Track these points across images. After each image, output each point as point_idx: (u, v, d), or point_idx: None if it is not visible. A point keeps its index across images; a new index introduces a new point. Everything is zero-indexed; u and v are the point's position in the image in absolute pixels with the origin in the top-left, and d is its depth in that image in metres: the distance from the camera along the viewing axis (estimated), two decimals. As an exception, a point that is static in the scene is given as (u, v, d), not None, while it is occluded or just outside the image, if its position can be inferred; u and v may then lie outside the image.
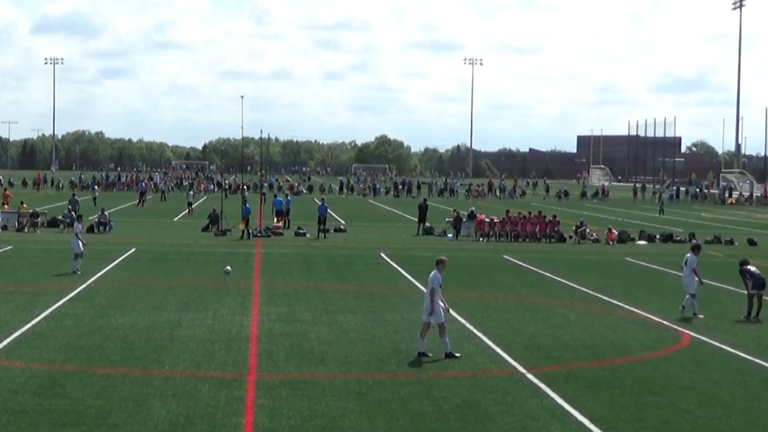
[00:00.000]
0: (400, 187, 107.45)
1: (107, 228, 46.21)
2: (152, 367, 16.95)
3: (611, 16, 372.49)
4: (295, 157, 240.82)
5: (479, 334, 20.77)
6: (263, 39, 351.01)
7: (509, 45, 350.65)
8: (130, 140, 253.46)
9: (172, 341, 19.26)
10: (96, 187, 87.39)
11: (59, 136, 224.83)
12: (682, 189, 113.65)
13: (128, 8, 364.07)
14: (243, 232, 44.91)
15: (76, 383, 15.54)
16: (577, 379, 16.81)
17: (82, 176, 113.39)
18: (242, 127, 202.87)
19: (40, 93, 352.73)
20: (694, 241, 37.19)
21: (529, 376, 16.90)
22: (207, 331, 20.37)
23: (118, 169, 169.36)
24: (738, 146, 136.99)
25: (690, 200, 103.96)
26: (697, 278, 24.26)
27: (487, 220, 48.09)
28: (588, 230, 48.33)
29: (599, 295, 27.71)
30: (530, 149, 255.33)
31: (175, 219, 58.75)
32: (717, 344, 20.55)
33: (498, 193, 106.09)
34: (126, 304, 23.95)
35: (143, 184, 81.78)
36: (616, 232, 47.74)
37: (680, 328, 22.41)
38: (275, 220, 50.13)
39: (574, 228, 48.54)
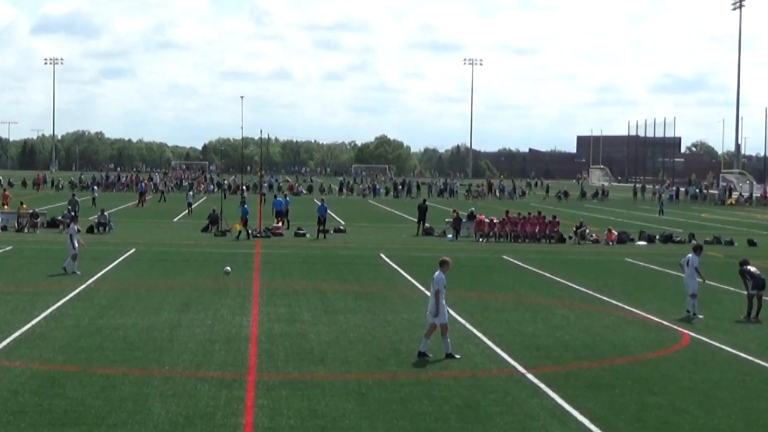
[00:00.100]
0: (400, 187, 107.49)
1: (107, 228, 46.21)
2: (152, 367, 16.95)
3: (611, 16, 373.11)
4: (295, 158, 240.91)
5: (479, 335, 20.77)
6: (263, 39, 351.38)
7: (509, 45, 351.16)
8: (129, 140, 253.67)
9: (171, 341, 19.26)
10: (95, 187, 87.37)
11: (59, 137, 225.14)
12: (682, 189, 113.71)
13: (128, 8, 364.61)
14: (239, 233, 44.93)
15: (75, 383, 15.54)
16: (577, 379, 16.81)
17: (82, 176, 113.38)
18: (242, 128, 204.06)
19: (40, 93, 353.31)
20: (694, 242, 37.30)
21: (529, 376, 16.90)
22: (207, 332, 20.37)
23: (118, 169, 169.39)
24: (738, 146, 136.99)
25: (690, 201, 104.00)
26: (700, 278, 24.30)
27: (487, 220, 48.09)
28: (588, 231, 48.34)
29: (599, 296, 27.71)
30: (530, 149, 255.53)
31: (175, 219, 58.75)
32: (717, 344, 20.55)
33: (498, 194, 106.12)
34: (126, 304, 23.95)
35: (143, 185, 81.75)
36: (616, 233, 47.76)
37: (680, 329, 22.41)
38: (275, 220, 50.13)
39: (573, 228, 48.56)
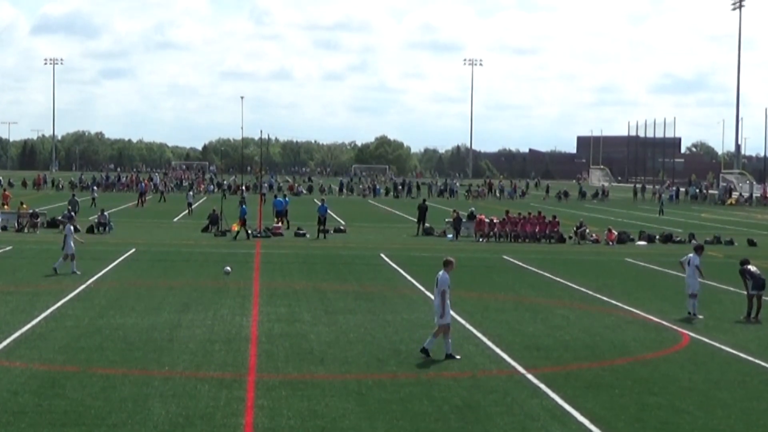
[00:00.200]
0: (400, 187, 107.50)
1: (107, 228, 46.21)
2: (152, 367, 16.95)
3: (611, 16, 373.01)
4: (295, 158, 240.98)
5: (479, 335, 20.77)
6: (263, 39, 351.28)
7: (509, 45, 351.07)
8: (129, 141, 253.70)
9: (171, 342, 19.26)
10: (95, 187, 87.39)
11: (59, 137, 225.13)
12: (682, 189, 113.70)
13: (128, 9, 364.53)
14: (237, 233, 44.92)
15: (75, 384, 15.54)
16: (577, 379, 16.81)
17: (82, 177, 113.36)
18: (242, 128, 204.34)
19: (40, 93, 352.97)
20: (695, 242, 37.33)
21: (529, 376, 16.90)
22: (207, 332, 20.37)
23: (118, 169, 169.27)
24: (738, 147, 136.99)
25: (690, 201, 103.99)
26: (700, 278, 24.34)
27: (487, 220, 48.10)
28: (588, 231, 48.35)
29: (599, 296, 27.71)
30: (530, 150, 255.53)
31: (175, 219, 58.75)
32: (717, 345, 20.55)
33: (498, 194, 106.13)
34: (126, 304, 23.95)
35: (142, 185, 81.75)
36: (616, 233, 47.75)
37: (680, 329, 22.41)
38: (275, 220, 50.13)
39: (573, 228, 48.57)
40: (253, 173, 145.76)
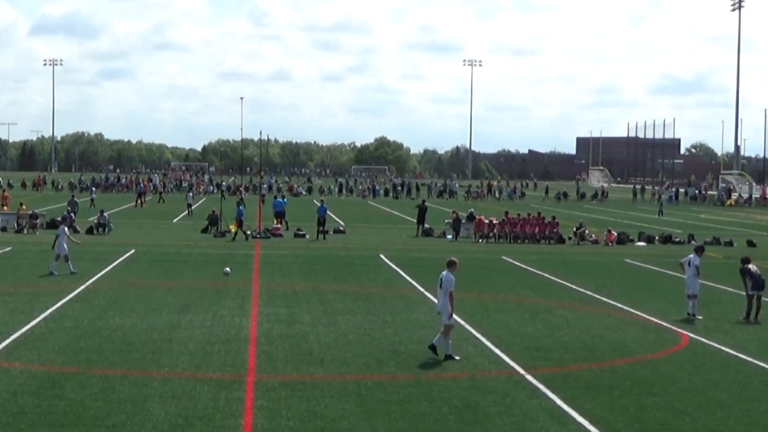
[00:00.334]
0: (399, 188, 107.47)
1: (106, 229, 46.20)
2: (151, 368, 16.95)
3: (610, 17, 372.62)
4: (295, 159, 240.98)
5: (478, 336, 20.77)
6: (262, 40, 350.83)
7: (508, 46, 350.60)
8: (129, 142, 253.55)
9: (171, 342, 19.26)
10: (94, 188, 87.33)
11: (58, 138, 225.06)
12: (682, 190, 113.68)
13: (127, 10, 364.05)
14: (235, 234, 44.92)
15: (75, 385, 15.54)
16: (576, 380, 16.81)
17: (82, 178, 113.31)
18: (241, 129, 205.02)
19: (40, 94, 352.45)
20: (695, 243, 37.34)
21: (528, 377, 16.90)
22: (206, 333, 20.37)
23: (118, 170, 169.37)
24: (737, 148, 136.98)
25: (689, 202, 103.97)
26: (699, 278, 24.36)
27: (487, 221, 48.10)
28: (587, 231, 48.35)
29: (598, 296, 27.71)
30: (529, 151, 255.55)
31: (175, 220, 58.74)
32: (716, 345, 20.55)
33: (497, 195, 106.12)
34: (125, 305, 23.95)
35: (141, 185, 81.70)
36: (615, 234, 47.74)
37: (679, 330, 22.41)
38: (275, 221, 50.12)
39: (573, 229, 48.58)
40: (253, 174, 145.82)
